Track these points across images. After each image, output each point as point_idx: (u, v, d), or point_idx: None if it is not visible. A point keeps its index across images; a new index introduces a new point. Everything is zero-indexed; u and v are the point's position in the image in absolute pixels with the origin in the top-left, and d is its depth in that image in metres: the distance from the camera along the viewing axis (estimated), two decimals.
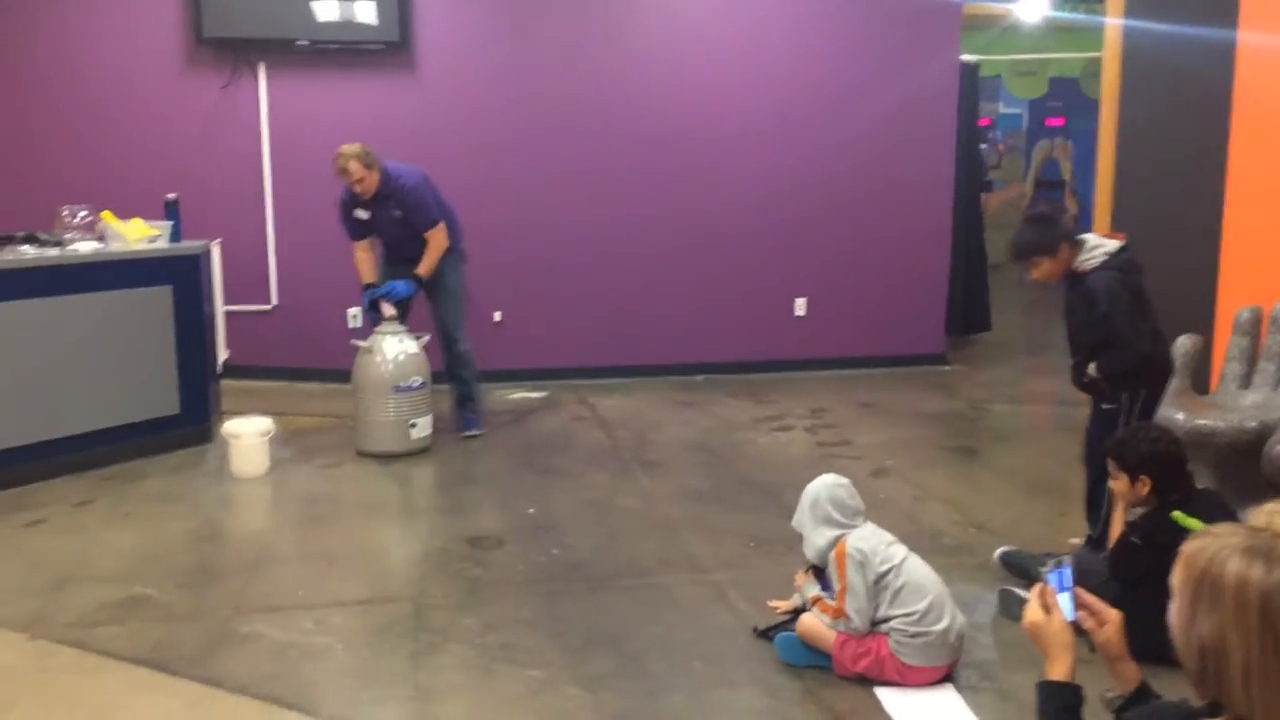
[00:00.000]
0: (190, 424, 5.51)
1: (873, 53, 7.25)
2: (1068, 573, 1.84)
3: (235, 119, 6.59)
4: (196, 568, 3.95)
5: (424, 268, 5.53)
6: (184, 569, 3.94)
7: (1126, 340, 3.61)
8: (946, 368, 7.62)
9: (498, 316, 7.07)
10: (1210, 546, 1.38)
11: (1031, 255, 3.72)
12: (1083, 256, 3.69)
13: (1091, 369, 3.75)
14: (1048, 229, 3.79)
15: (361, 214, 5.53)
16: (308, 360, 6.83)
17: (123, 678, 3.13)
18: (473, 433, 5.75)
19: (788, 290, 7.42)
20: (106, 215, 5.47)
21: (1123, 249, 3.70)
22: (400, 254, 5.64)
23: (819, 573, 3.32)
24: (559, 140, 6.98)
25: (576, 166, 7.02)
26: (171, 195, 5.60)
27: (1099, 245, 3.72)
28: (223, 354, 6.72)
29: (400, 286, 5.51)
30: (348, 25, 6.56)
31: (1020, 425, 6.36)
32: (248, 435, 5.07)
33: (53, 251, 5.12)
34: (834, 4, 7.20)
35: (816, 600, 3.24)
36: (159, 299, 5.36)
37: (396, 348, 5.42)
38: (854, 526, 3.21)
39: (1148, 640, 1.95)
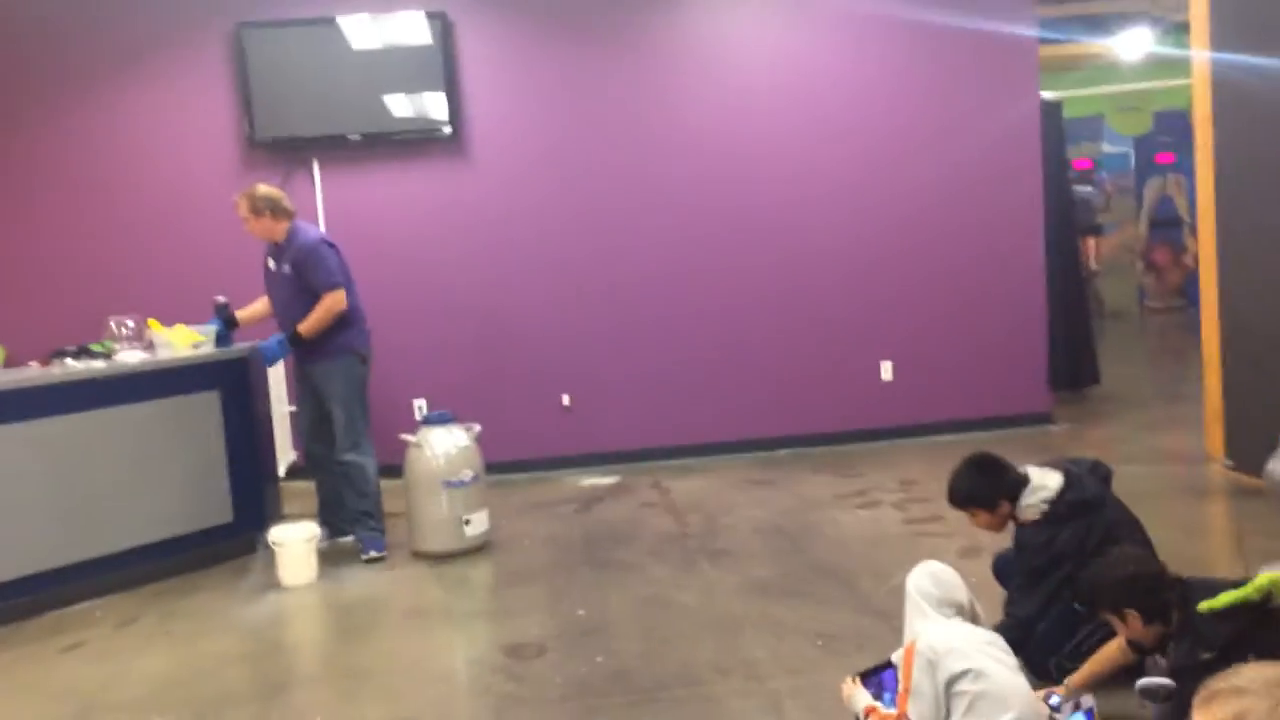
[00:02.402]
0: (245, 531, 5.35)
1: (947, 99, 6.87)
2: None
3: None
4: (219, 694, 3.71)
5: (305, 325, 5.05)
6: (206, 696, 3.71)
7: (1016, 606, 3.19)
8: (1053, 427, 7.04)
9: (566, 400, 6.81)
10: (1236, 706, 1.14)
11: (964, 506, 3.33)
12: (1023, 504, 3.24)
13: None
14: (985, 478, 3.32)
15: (270, 263, 5.27)
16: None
17: None
18: (371, 555, 5.12)
19: (873, 354, 6.99)
20: (152, 323, 5.41)
21: (1064, 489, 3.20)
22: (288, 325, 5.17)
23: (871, 676, 2.89)
24: (620, 217, 6.77)
25: (640, 242, 6.78)
26: (221, 298, 5.51)
27: (1038, 489, 3.23)
28: (290, 456, 6.60)
29: (269, 348, 5.11)
30: (399, 118, 6.48)
31: (1134, 490, 5.75)
32: (292, 543, 4.87)
33: (99, 364, 5.04)
34: (903, 52, 6.86)
35: (870, 712, 2.81)
36: (207, 405, 5.25)
37: (446, 441, 5.18)
38: (941, 620, 2.78)
39: None
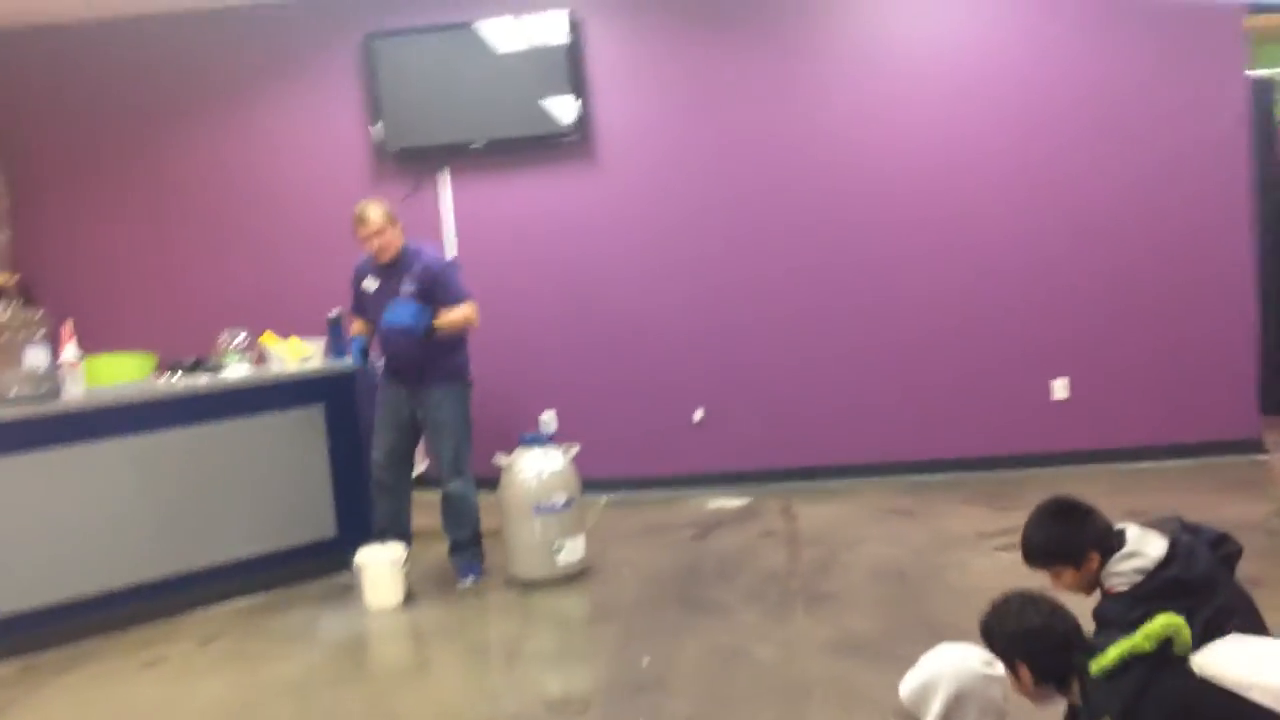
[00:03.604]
0: (349, 546, 5.22)
1: (1135, 80, 6.02)
2: None
3: (422, 226, 6.45)
4: None
5: (444, 320, 4.80)
6: None
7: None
8: (1263, 457, 6.07)
9: (698, 415, 6.43)
10: None
11: (1046, 563, 2.66)
12: (1109, 569, 2.57)
13: None
14: (1069, 527, 2.64)
15: (370, 284, 4.99)
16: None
17: None
18: (470, 582, 4.94)
19: (1044, 369, 6.24)
20: (267, 336, 5.43)
21: (1166, 561, 2.52)
22: (403, 354, 4.88)
23: None
24: (759, 222, 6.32)
25: (781, 248, 6.31)
26: (334, 312, 5.45)
27: (1133, 555, 2.56)
28: (419, 466, 6.54)
29: (408, 315, 4.73)
30: (527, 122, 6.28)
31: None
32: (375, 565, 4.74)
33: (203, 379, 5.08)
34: (1080, 30, 6.05)
35: None
36: (311, 419, 5.21)
37: (539, 464, 4.93)
38: None
39: None
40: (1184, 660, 2.19)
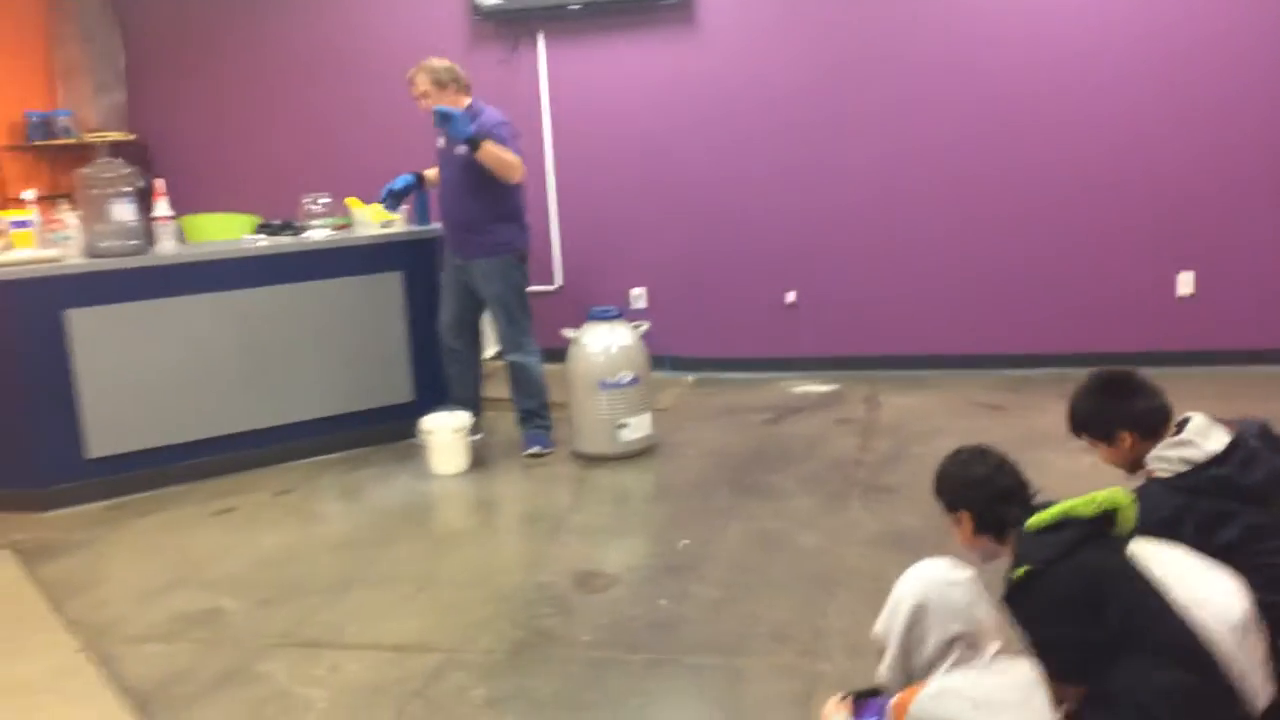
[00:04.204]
0: (425, 411, 5.27)
1: None
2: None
3: (516, 92, 6.33)
4: (293, 583, 3.73)
5: (485, 150, 4.60)
6: (285, 581, 3.74)
7: None
8: None
9: (791, 297, 6.22)
10: None
11: (1078, 432, 2.56)
12: (1156, 453, 2.37)
13: None
14: (1106, 400, 2.50)
15: (440, 140, 4.90)
16: None
17: (96, 714, 2.92)
18: (534, 450, 4.95)
19: (1167, 262, 5.79)
20: (351, 200, 5.46)
21: (1220, 458, 2.29)
22: (452, 218, 4.87)
23: (866, 700, 2.29)
24: (861, 100, 5.96)
25: (888, 126, 5.95)
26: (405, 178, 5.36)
27: (1185, 443, 2.33)
28: (566, 332, 6.55)
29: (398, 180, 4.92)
30: None
31: None
32: (441, 431, 4.80)
33: (285, 239, 5.16)
34: None
35: None
36: (390, 285, 5.25)
37: (606, 338, 4.86)
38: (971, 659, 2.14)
39: None
40: (1120, 539, 2.12)
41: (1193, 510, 2.30)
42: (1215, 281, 5.72)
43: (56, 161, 6.52)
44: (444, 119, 4.62)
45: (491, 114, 4.83)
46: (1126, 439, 2.46)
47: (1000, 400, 5.45)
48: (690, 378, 6.29)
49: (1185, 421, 2.42)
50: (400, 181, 5.02)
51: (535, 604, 3.44)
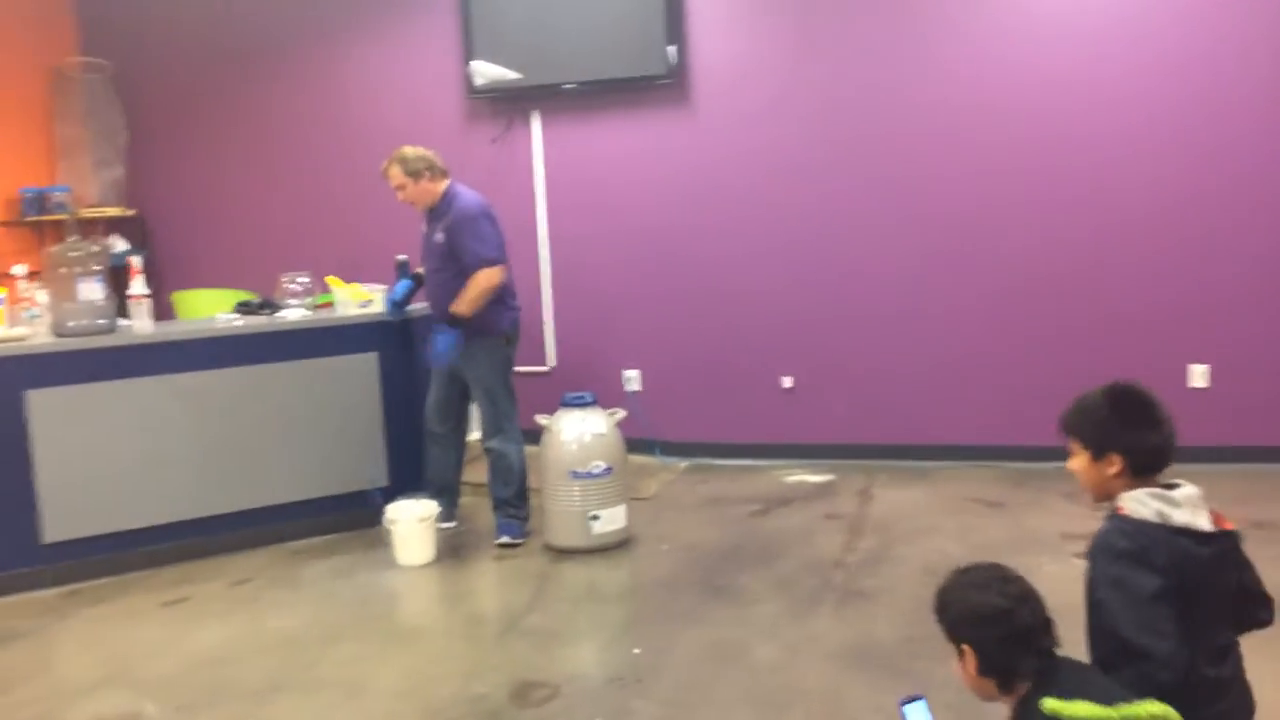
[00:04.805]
0: (401, 496, 5.17)
1: None
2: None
3: (510, 169, 6.27)
4: (224, 684, 3.55)
5: (459, 305, 4.59)
6: (213, 683, 3.56)
7: (1136, 640, 1.95)
8: None
9: (787, 382, 6.02)
10: None
11: (1067, 432, 2.23)
12: (1135, 494, 2.07)
13: None
14: (1114, 414, 2.17)
15: (424, 226, 4.85)
16: None
17: None
18: (503, 540, 4.76)
19: (1179, 354, 5.51)
20: (332, 279, 5.37)
21: (1202, 538, 2.04)
22: (435, 298, 4.78)
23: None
24: (859, 182, 5.80)
25: (883, 211, 5.78)
26: (402, 256, 5.31)
27: (1168, 502, 2.04)
28: (540, 419, 6.40)
29: (439, 350, 4.68)
30: (619, 63, 5.95)
31: None
32: (404, 522, 4.63)
33: (259, 320, 5.07)
34: None
35: None
36: (365, 366, 5.13)
37: (577, 427, 4.68)
38: None
39: None
40: None
41: (1131, 556, 2.05)
42: (1229, 374, 5.44)
43: (51, 238, 6.52)
44: (443, 355, 4.66)
45: (466, 201, 4.73)
46: (1116, 464, 2.14)
47: (1000, 496, 5.18)
48: (682, 464, 6.08)
49: (1175, 485, 2.16)
50: (401, 290, 4.98)
51: (464, 719, 3.22)
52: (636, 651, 3.65)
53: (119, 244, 6.72)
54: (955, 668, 1.98)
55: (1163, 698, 1.87)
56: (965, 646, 1.96)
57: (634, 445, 6.08)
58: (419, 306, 5.13)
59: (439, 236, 4.67)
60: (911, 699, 1.93)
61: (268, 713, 3.34)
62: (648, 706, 3.24)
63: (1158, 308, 5.47)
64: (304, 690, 3.49)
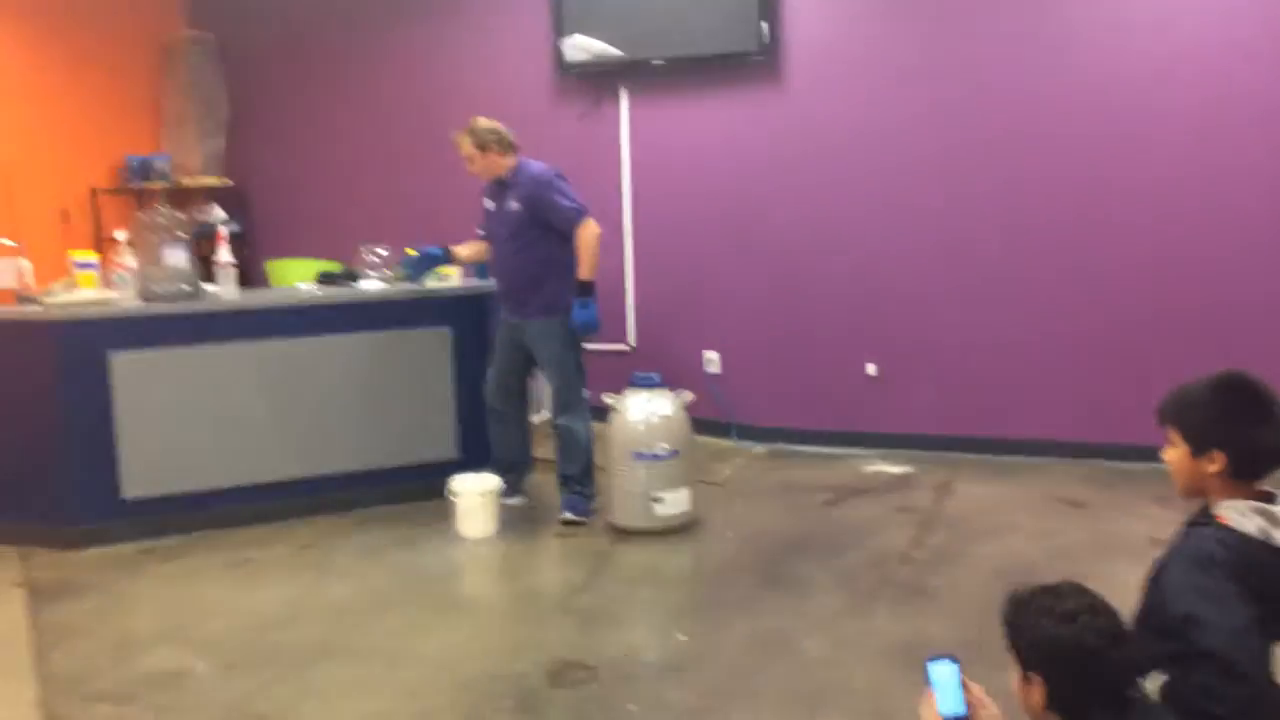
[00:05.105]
0: (472, 469, 5.17)
1: None
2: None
3: (597, 147, 6.21)
4: (272, 648, 3.60)
5: (584, 268, 4.55)
6: (263, 646, 3.62)
7: (1232, 655, 1.76)
8: None
9: (872, 370, 5.83)
10: None
11: (1165, 420, 2.05)
12: (1234, 504, 1.92)
13: (1151, 687, 1.87)
14: (1221, 408, 1.98)
15: (488, 204, 4.79)
16: None
17: None
18: (567, 517, 4.70)
19: None
20: (410, 252, 5.39)
21: None
22: (506, 279, 4.72)
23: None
24: (956, 165, 5.55)
25: (981, 195, 5.52)
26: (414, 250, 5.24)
27: (1265, 509, 1.89)
28: (605, 398, 6.36)
29: (583, 321, 4.59)
30: (710, 39, 5.82)
31: None
32: (468, 495, 4.63)
33: (338, 290, 5.13)
34: None
35: None
36: (439, 340, 5.14)
37: (644, 407, 4.61)
38: None
39: None
40: None
41: (1223, 570, 1.88)
42: None
43: (153, 205, 6.72)
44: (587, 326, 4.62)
45: (538, 168, 4.70)
46: (1217, 462, 1.96)
47: (1086, 496, 4.93)
48: (759, 448, 5.96)
49: (1276, 496, 1.98)
50: (428, 252, 4.93)
51: (496, 697, 3.20)
52: (683, 639, 3.58)
53: (218, 213, 6.88)
54: (1014, 685, 1.78)
55: (1236, 713, 1.73)
56: (1034, 674, 1.75)
57: (712, 428, 6.03)
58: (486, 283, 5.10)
59: (513, 205, 4.63)
60: (940, 656, 1.75)
61: (308, 677, 3.37)
62: (684, 696, 3.17)
63: (1259, 296, 5.11)
64: (347, 657, 3.51)
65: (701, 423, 5.96)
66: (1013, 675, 1.78)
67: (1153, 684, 1.87)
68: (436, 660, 3.47)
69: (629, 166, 6.22)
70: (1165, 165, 5.20)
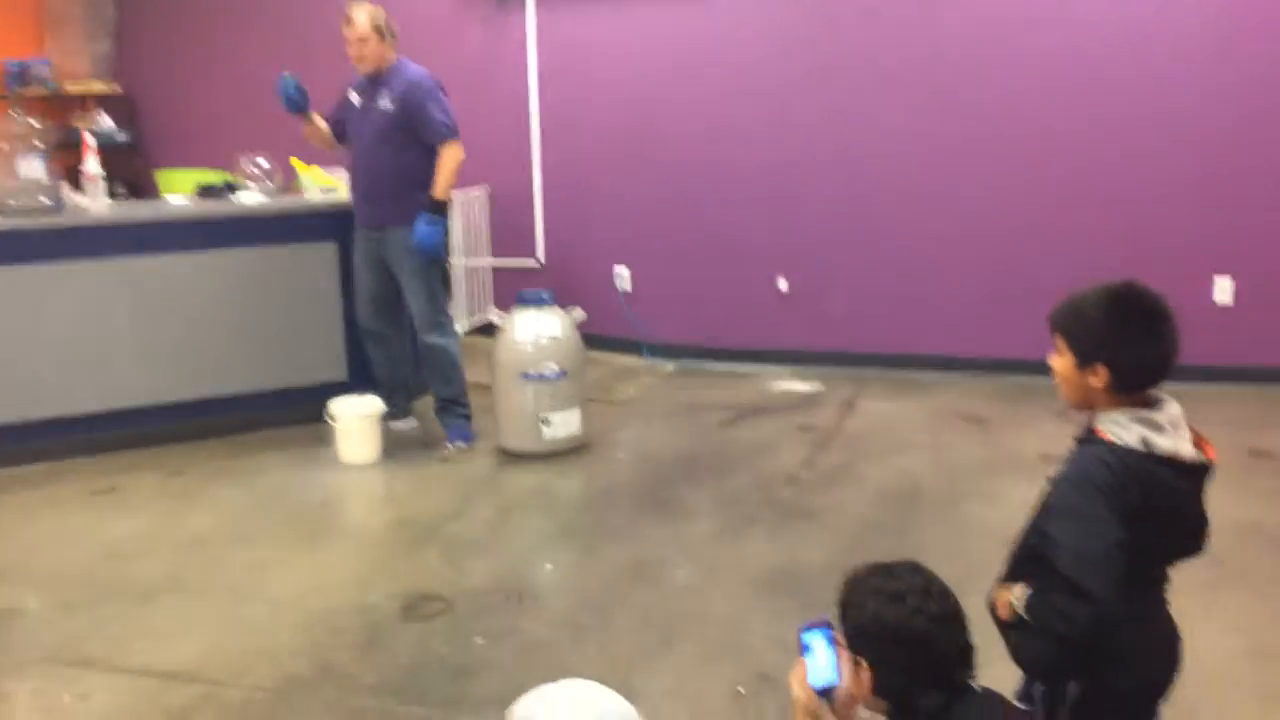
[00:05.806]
0: (361, 392, 4.98)
1: None
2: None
3: (502, 56, 5.91)
4: (115, 582, 3.43)
5: (439, 188, 4.30)
6: (105, 581, 3.44)
7: (1079, 579, 1.70)
8: None
9: (783, 285, 5.66)
10: None
11: (1058, 330, 1.87)
12: (1115, 416, 1.77)
13: (1014, 595, 1.83)
14: (1108, 321, 1.81)
15: (354, 96, 4.46)
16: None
17: None
18: (461, 445, 4.52)
19: (1204, 264, 5.05)
20: (295, 161, 5.12)
21: (1186, 470, 1.77)
22: (365, 181, 4.44)
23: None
24: (870, 78, 5.33)
25: (889, 106, 5.31)
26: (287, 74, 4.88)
27: (1152, 425, 1.75)
28: (492, 315, 6.18)
29: (425, 237, 4.31)
30: None
31: None
32: (347, 418, 4.44)
33: (215, 204, 4.85)
34: None
35: None
36: (323, 256, 4.89)
37: (534, 327, 4.41)
38: None
39: None
40: None
41: (1111, 478, 1.74)
42: (1256, 291, 4.95)
43: (37, 111, 6.34)
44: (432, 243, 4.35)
45: (419, 72, 4.40)
46: (1101, 375, 1.82)
47: (988, 412, 4.83)
48: (669, 366, 5.80)
49: (1161, 401, 1.83)
50: (299, 90, 4.55)
51: (343, 632, 3.05)
52: (549, 568, 3.44)
53: (105, 121, 6.53)
54: (847, 674, 1.60)
55: (1082, 634, 1.70)
56: (861, 658, 1.61)
57: (622, 345, 5.86)
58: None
59: (385, 105, 4.33)
60: (814, 625, 1.64)
61: (145, 613, 3.20)
62: (537, 627, 3.04)
63: (1179, 219, 4.98)
64: (193, 592, 3.35)
65: (611, 340, 5.82)
66: (847, 671, 1.61)
67: (1018, 595, 1.81)
68: (288, 595, 3.31)
69: (535, 76, 5.93)
70: (1080, 79, 5.00)
